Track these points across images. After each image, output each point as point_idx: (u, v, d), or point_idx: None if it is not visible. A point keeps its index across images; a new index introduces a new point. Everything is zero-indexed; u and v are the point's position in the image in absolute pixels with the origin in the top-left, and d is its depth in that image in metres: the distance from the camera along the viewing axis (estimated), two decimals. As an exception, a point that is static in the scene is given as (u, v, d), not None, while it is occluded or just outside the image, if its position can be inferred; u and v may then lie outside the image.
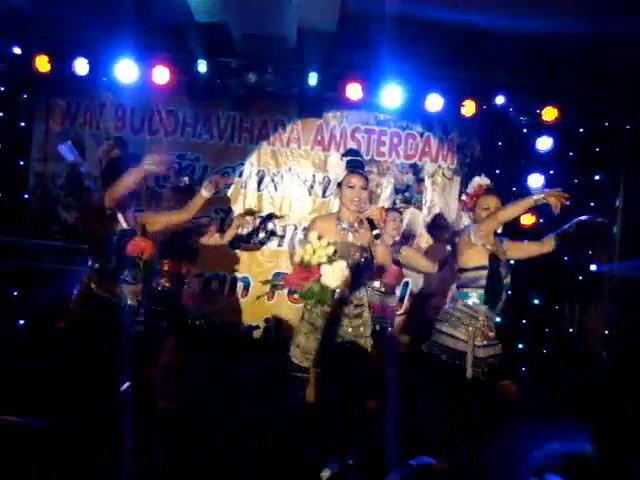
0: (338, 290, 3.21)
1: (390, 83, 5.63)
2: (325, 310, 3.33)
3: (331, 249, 3.14)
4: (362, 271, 3.41)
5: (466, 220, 5.99)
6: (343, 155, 3.56)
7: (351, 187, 3.36)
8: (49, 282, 5.74)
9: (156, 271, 3.56)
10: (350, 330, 3.38)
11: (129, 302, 3.32)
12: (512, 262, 3.67)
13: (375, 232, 3.22)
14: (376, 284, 4.38)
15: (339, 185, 3.48)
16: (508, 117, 5.99)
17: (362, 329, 3.44)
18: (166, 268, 4.37)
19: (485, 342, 3.42)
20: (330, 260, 3.11)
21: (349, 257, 3.31)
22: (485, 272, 3.36)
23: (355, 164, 3.44)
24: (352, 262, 3.32)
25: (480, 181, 3.60)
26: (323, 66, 5.64)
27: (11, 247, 5.86)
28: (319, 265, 3.09)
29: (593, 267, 6.03)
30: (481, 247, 3.39)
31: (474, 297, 3.40)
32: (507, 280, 3.46)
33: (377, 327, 4.19)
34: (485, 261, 3.37)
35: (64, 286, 5.55)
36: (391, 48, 5.10)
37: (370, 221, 3.24)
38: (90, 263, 3.33)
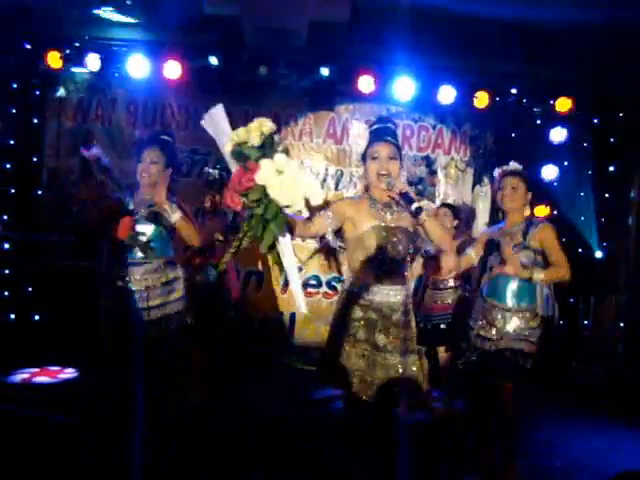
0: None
1: (402, 75, 5.61)
2: (368, 318, 2.63)
3: (268, 126, 2.19)
4: (407, 263, 2.72)
5: (480, 212, 6.00)
6: (370, 125, 2.84)
7: (375, 158, 2.66)
8: (62, 278, 5.79)
9: (159, 248, 3.36)
10: (400, 344, 2.64)
11: (140, 285, 3.21)
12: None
13: (415, 206, 2.51)
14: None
15: (363, 159, 2.75)
16: (521, 108, 5.96)
17: (412, 342, 2.72)
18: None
19: (489, 336, 3.35)
20: (269, 149, 2.20)
21: (397, 243, 2.64)
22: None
23: (382, 131, 2.73)
24: (397, 251, 2.64)
25: (498, 170, 3.59)
26: (335, 59, 5.62)
27: (25, 243, 5.89)
28: (257, 160, 2.15)
29: (598, 254, 5.97)
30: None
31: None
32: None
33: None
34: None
35: (76, 282, 5.63)
36: (403, 40, 5.06)
37: (404, 195, 2.55)
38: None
